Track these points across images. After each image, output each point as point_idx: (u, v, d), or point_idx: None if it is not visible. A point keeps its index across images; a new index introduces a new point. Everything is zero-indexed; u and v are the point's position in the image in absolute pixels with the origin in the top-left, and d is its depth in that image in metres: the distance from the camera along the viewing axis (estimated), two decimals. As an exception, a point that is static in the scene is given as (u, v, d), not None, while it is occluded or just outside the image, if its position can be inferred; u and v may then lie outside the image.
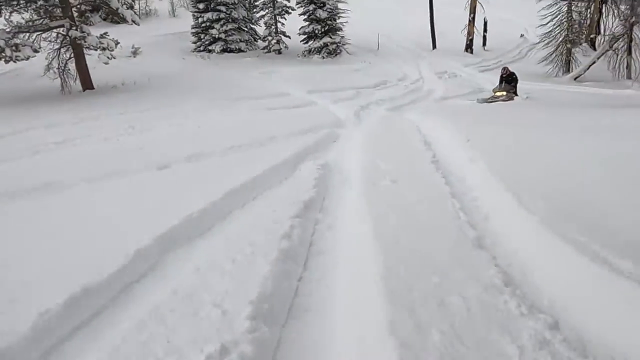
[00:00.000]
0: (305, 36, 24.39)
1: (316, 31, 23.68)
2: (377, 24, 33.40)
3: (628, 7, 18.58)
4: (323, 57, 23.70)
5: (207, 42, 24.56)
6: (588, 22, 25.42)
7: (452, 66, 22.52)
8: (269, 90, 15.21)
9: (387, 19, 35.56)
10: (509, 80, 13.52)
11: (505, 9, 39.57)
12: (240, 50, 24.75)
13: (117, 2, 14.45)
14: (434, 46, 26.78)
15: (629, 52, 18.60)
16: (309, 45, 24.05)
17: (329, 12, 23.50)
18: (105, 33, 14.82)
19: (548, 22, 21.00)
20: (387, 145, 7.32)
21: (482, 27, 27.18)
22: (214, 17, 24.04)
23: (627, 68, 18.76)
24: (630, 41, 18.41)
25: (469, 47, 26.16)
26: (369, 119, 10.37)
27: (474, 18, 25.92)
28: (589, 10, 24.89)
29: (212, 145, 6.99)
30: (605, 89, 15.91)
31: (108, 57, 14.12)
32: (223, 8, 23.93)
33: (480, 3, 26.03)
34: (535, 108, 11.09)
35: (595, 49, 25.88)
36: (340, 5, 24.29)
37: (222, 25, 24.14)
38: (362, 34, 29.42)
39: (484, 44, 27.35)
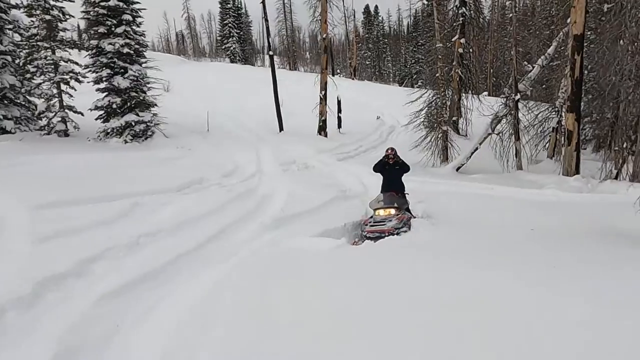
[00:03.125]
0: (103, 112, 16.66)
1: (114, 105, 16.11)
2: (217, 102, 27.08)
3: (510, 84, 14.27)
4: (125, 141, 16.04)
5: (-54, 120, 15.55)
6: (449, 102, 21.75)
7: (303, 153, 16.41)
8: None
9: (229, 97, 29.42)
10: (395, 173, 7.42)
11: (358, 92, 36.28)
12: (4, 131, 16.06)
13: None
14: (281, 128, 20.82)
15: (517, 137, 14.08)
16: (108, 125, 16.29)
17: (133, 80, 16.23)
18: None
19: (416, 99, 16.11)
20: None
21: (336, 107, 22.03)
22: (-41, 84, 15.37)
23: (515, 156, 14.16)
24: (517, 123, 13.92)
25: (322, 129, 20.64)
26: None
27: (325, 96, 20.65)
28: (447, 91, 21.20)
29: None
30: (511, 188, 10.59)
31: None
32: (-26, 71, 15.44)
33: (332, 79, 20.95)
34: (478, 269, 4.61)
35: (458, 133, 22.14)
36: (151, 73, 17.23)
37: (-29, 95, 15.50)
38: (194, 113, 22.62)
39: (339, 125, 22.16)
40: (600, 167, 12.86)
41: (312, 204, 8.40)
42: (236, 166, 13.48)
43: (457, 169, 14.40)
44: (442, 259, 4.42)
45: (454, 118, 22.04)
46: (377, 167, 7.94)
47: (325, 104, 20.48)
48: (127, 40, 16.16)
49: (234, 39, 51.80)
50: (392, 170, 7.76)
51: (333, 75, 52.16)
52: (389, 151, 7.88)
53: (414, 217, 7.38)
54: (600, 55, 11.70)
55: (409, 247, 5.17)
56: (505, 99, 14.32)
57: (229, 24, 52.00)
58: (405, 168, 7.85)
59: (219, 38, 55.99)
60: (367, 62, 69.80)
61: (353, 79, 52.58)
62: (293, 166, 13.73)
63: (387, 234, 6.48)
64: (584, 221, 6.96)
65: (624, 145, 11.36)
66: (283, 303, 3.66)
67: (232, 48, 51.72)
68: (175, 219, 7.24)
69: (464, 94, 22.32)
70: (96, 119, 16.78)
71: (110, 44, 15.95)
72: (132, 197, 8.51)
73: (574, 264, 4.39)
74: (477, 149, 14.54)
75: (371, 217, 7.11)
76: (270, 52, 21.42)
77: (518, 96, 13.72)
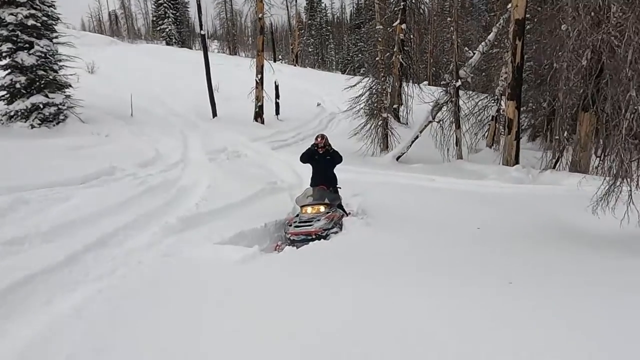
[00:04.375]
0: (6, 93, 14.53)
1: (18, 85, 14.08)
2: (147, 85, 25.05)
3: (451, 70, 13.69)
4: (32, 126, 14.07)
5: None
6: (389, 89, 21.12)
7: (236, 141, 15.20)
8: None
9: (162, 80, 27.36)
10: (325, 164, 6.48)
11: (299, 79, 35.10)
12: None
13: None
14: (215, 114, 19.37)
15: (457, 125, 13.56)
16: (11, 108, 14.22)
17: (41, 57, 14.24)
18: None
19: (356, 84, 15.26)
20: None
21: (274, 93, 20.82)
22: None
23: (456, 145, 13.65)
24: (458, 110, 13.39)
25: (258, 115, 19.39)
26: None
27: (262, 80, 19.38)
28: (388, 77, 20.54)
29: None
30: (452, 178, 9.96)
31: None
32: None
33: (269, 62, 19.71)
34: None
35: (399, 121, 21.64)
36: (64, 50, 15.25)
37: None
38: (120, 96, 20.62)
39: (277, 112, 21.00)
40: (540, 156, 12.58)
41: (233, 199, 7.28)
42: (158, 154, 12.06)
43: (398, 158, 13.73)
44: (371, 276, 3.52)
45: (395, 106, 21.49)
46: (305, 157, 6.95)
47: (262, 88, 19.23)
48: (33, 11, 14.10)
49: (170, 20, 48.83)
50: (322, 160, 6.79)
51: (275, 61, 50.75)
52: (319, 139, 6.89)
53: (347, 215, 6.46)
54: (543, 42, 11.28)
55: (334, 256, 4.21)
56: (446, 86, 13.75)
57: (165, 4, 48.90)
58: (336, 158, 6.91)
59: (154, 19, 52.70)
60: (310, 50, 68.63)
61: (295, 65, 51.33)
62: (222, 155, 12.50)
63: (314, 237, 5.51)
64: (528, 216, 6.33)
65: (564, 135, 11.06)
66: (152, 353, 2.59)
67: (167, 30, 48.76)
68: (62, 218, 5.90)
69: (404, 83, 21.83)
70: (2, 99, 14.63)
71: (11, 14, 13.84)
72: (16, 192, 7.03)
73: (531, 279, 3.61)
74: (417, 137, 13.92)
75: (297, 215, 6.11)
76: (202, 32, 19.77)
77: (459, 82, 13.16)
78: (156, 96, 22.95)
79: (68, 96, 15.16)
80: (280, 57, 57.97)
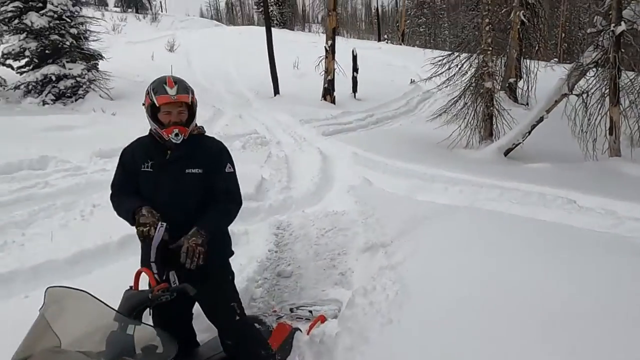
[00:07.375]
0: (24, 64, 12.06)
1: (27, 52, 11.43)
2: (222, 64, 22.43)
3: (607, 8, 8.01)
4: (44, 102, 11.35)
5: None
6: (505, 58, 15.32)
7: (278, 123, 11.20)
8: None
9: (242, 59, 24.25)
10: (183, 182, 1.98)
11: (398, 56, 29.86)
12: None
13: None
14: (276, 92, 15.44)
15: (615, 100, 7.89)
16: (20, 80, 11.68)
17: (55, 17, 11.41)
18: None
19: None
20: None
21: (352, 65, 16.22)
22: None
23: (610, 133, 8.00)
24: (618, 75, 7.73)
25: (327, 92, 15.04)
26: None
27: (333, 47, 14.95)
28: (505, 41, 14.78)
29: None
30: (625, 204, 4.69)
31: None
32: None
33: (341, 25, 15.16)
34: None
35: (516, 100, 15.80)
36: (88, 12, 12.36)
37: None
38: (184, 74, 17.76)
39: (355, 89, 16.37)
40: None
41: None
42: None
43: (506, 153, 8.50)
44: None
45: (511, 79, 15.71)
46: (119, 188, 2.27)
47: (333, 58, 14.85)
48: (43, -39, 11.31)
49: (271, 0, 46.25)
50: (166, 175, 2.15)
51: (379, 41, 45.76)
52: (163, 91, 2.10)
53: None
54: None
55: None
56: (596, 35, 8.09)
57: (267, -14, 46.39)
58: (224, 189, 2.13)
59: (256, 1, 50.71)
60: (422, 30, 62.01)
61: (401, 44, 45.82)
62: (237, 142, 8.45)
63: None
64: None
65: None
66: None
67: (269, 11, 46.24)
68: None
69: (527, 60, 15.81)
70: (17, 71, 12.15)
71: (17, -35, 11.17)
72: None
73: None
74: (542, 119, 8.48)
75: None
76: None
77: (622, 27, 7.46)
78: (226, 74, 19.92)
79: (91, 69, 12.22)
80: (385, 36, 52.61)
